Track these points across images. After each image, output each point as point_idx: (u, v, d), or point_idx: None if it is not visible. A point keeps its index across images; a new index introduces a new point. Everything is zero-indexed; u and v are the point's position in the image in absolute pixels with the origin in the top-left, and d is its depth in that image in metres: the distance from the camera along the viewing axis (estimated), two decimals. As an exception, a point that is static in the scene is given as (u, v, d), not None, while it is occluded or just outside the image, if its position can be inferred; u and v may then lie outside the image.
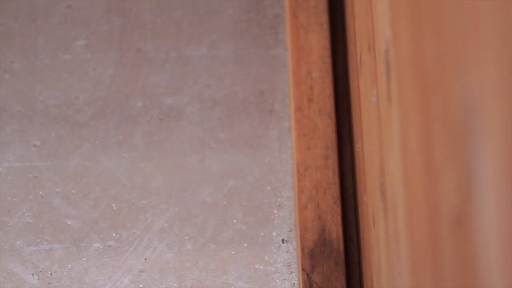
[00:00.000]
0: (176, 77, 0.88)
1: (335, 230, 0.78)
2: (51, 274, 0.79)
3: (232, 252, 0.80)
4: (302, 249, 0.77)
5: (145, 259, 0.80)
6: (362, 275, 0.78)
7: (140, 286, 0.79)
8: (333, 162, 0.81)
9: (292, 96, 0.85)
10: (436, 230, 0.47)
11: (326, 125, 0.83)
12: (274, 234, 0.81)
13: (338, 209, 0.79)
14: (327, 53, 0.86)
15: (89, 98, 0.87)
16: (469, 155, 0.40)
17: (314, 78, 0.85)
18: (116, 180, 0.83)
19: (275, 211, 0.82)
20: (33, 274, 0.79)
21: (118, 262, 0.80)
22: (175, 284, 0.78)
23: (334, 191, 0.80)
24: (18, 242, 0.80)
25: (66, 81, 0.88)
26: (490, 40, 0.37)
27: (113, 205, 0.82)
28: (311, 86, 0.85)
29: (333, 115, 0.83)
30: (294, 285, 0.78)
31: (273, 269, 0.79)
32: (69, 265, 0.80)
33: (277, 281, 0.79)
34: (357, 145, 0.80)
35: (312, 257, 0.77)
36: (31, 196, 0.82)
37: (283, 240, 0.80)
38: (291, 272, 0.79)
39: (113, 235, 0.81)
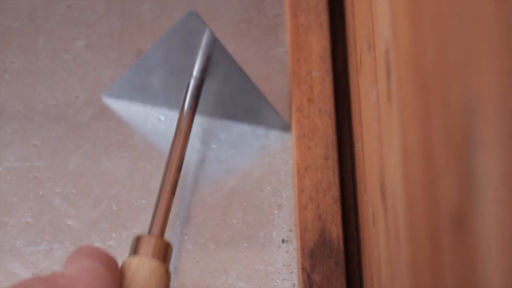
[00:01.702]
0: (176, 77, 0.88)
1: (335, 230, 0.78)
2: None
3: (232, 252, 0.80)
4: (302, 249, 0.77)
5: (145, 259, 0.80)
6: (362, 275, 0.78)
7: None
8: (333, 162, 0.81)
9: (292, 96, 0.85)
10: (436, 230, 0.48)
11: (326, 125, 0.83)
12: (274, 234, 0.81)
13: (338, 209, 0.79)
14: (327, 53, 0.87)
15: (89, 98, 0.87)
16: (469, 155, 0.40)
17: (314, 78, 0.85)
18: (116, 180, 0.83)
19: (275, 211, 0.82)
20: (33, 274, 0.79)
21: (118, 262, 0.80)
22: (175, 284, 0.78)
23: (334, 191, 0.80)
24: (18, 242, 0.80)
25: (66, 81, 0.88)
26: (490, 40, 0.37)
27: (113, 205, 0.82)
28: (311, 86, 0.85)
29: (333, 115, 0.83)
30: (294, 285, 0.78)
31: (273, 269, 0.79)
32: (69, 265, 0.80)
33: (277, 281, 0.79)
34: (357, 145, 0.80)
35: (312, 257, 0.77)
36: (31, 196, 0.82)
37: (283, 240, 0.80)
38: (291, 272, 0.79)
39: (113, 235, 0.81)
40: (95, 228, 0.81)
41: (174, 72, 0.81)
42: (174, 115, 0.86)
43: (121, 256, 0.80)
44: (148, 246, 0.72)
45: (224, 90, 0.82)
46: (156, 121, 0.86)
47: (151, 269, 0.71)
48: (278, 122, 0.84)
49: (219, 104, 0.84)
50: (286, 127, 0.84)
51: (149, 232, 0.74)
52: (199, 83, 0.80)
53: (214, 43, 0.77)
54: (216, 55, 0.79)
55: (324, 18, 0.88)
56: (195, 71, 0.80)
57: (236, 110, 0.84)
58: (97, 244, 0.80)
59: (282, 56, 0.89)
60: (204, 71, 0.80)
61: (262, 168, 0.84)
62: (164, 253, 0.73)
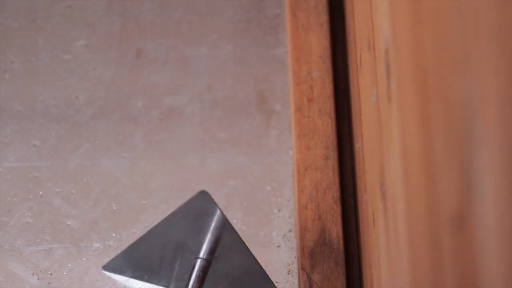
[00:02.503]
0: (176, 77, 0.88)
1: (335, 230, 0.78)
2: (51, 274, 0.79)
3: (232, 252, 0.80)
4: (302, 249, 0.77)
5: (145, 259, 0.80)
6: (362, 275, 0.78)
7: (140, 286, 0.79)
8: (333, 162, 0.81)
9: (292, 96, 0.85)
10: (436, 230, 0.48)
11: (326, 125, 0.83)
12: (274, 234, 0.81)
13: (338, 209, 0.79)
14: (327, 53, 0.87)
15: (89, 98, 0.87)
16: (469, 155, 0.40)
17: (314, 78, 0.85)
18: (116, 180, 0.83)
19: (275, 211, 0.82)
20: (33, 274, 0.79)
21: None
22: (175, 284, 0.78)
23: (334, 191, 0.80)
24: (18, 242, 0.80)
25: (66, 81, 0.88)
26: (490, 40, 0.37)
27: (113, 205, 0.82)
28: (311, 86, 0.85)
29: (333, 115, 0.83)
30: (294, 285, 0.78)
31: (273, 269, 0.79)
32: (69, 265, 0.80)
33: (277, 281, 0.79)
34: (357, 145, 0.80)
35: (312, 257, 0.77)
36: (31, 196, 0.82)
37: (282, 240, 0.80)
38: (291, 272, 0.79)
39: (113, 235, 0.81)
40: (95, 228, 0.81)
41: (179, 252, 0.76)
42: (174, 115, 0.86)
43: (121, 256, 0.80)
44: None
45: (231, 274, 0.77)
46: (157, 120, 0.86)
47: None
48: None
49: None
50: None
51: None
52: (206, 264, 0.75)
53: (225, 225, 0.73)
54: (225, 237, 0.74)
55: (324, 18, 0.88)
56: (202, 253, 0.75)
57: None
58: (97, 244, 0.80)
59: (282, 56, 0.89)
60: (211, 253, 0.75)
61: (262, 168, 0.84)
62: None
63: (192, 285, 0.74)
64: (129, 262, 0.78)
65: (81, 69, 0.88)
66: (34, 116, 0.86)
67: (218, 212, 0.71)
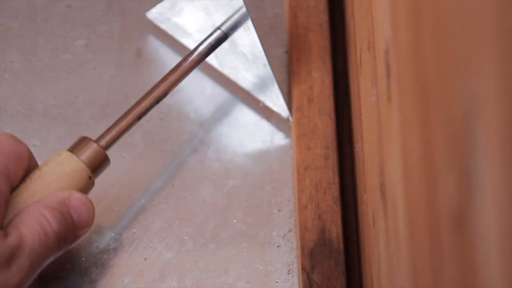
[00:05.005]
0: (176, 77, 0.88)
1: (335, 230, 0.78)
2: (50, 274, 0.79)
3: (232, 252, 0.80)
4: (302, 249, 0.77)
5: (145, 259, 0.80)
6: (362, 275, 0.78)
7: (140, 286, 0.79)
8: (333, 162, 0.81)
9: (292, 96, 0.85)
10: (436, 230, 0.48)
11: (326, 125, 0.83)
12: (274, 234, 0.81)
13: (338, 209, 0.79)
14: (327, 53, 0.87)
15: (89, 98, 0.87)
16: (469, 155, 0.40)
17: (314, 78, 0.85)
18: (116, 180, 0.83)
19: (275, 211, 0.82)
20: (33, 274, 0.79)
21: (118, 262, 0.80)
22: (175, 284, 0.78)
23: (334, 191, 0.80)
24: (18, 242, 0.80)
25: (66, 81, 0.88)
26: (490, 40, 0.37)
27: (113, 205, 0.82)
28: (311, 86, 0.85)
29: (333, 115, 0.83)
30: (294, 285, 0.78)
31: (273, 269, 0.79)
32: (69, 265, 0.80)
33: (277, 281, 0.79)
34: (357, 145, 0.80)
35: (312, 257, 0.77)
36: (31, 196, 0.82)
37: (282, 239, 0.80)
38: (291, 272, 0.79)
39: (113, 235, 0.81)
40: (95, 228, 0.81)
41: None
42: (174, 115, 0.86)
43: (122, 255, 0.80)
44: (86, 149, 0.74)
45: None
46: (157, 120, 0.86)
47: (75, 169, 0.73)
48: (281, 106, 0.83)
49: None
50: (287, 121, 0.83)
51: (97, 139, 0.75)
52: (222, 37, 0.79)
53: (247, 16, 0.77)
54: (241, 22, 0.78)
55: (324, 18, 0.88)
56: (224, 26, 0.79)
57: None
58: (96, 244, 0.80)
59: (282, 56, 0.89)
60: (232, 29, 0.80)
61: (262, 168, 0.84)
62: (97, 163, 0.74)
63: (202, 49, 0.79)
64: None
65: (81, 69, 0.88)
66: (34, 116, 0.86)
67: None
